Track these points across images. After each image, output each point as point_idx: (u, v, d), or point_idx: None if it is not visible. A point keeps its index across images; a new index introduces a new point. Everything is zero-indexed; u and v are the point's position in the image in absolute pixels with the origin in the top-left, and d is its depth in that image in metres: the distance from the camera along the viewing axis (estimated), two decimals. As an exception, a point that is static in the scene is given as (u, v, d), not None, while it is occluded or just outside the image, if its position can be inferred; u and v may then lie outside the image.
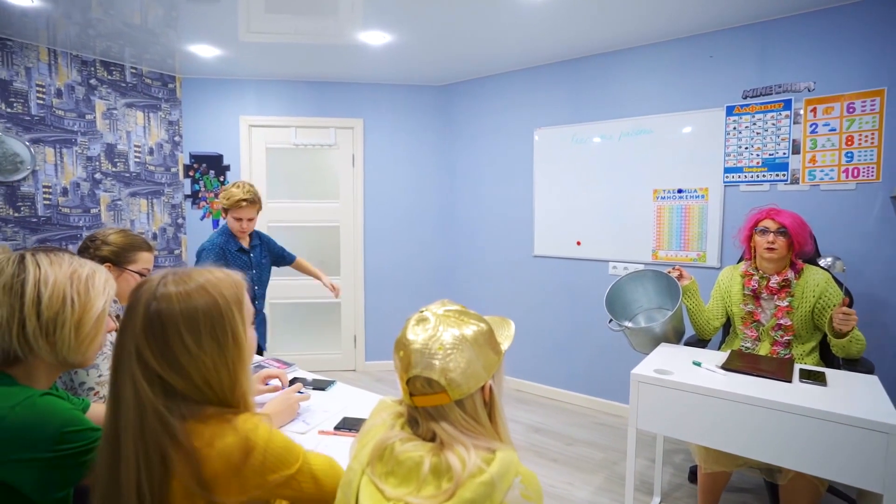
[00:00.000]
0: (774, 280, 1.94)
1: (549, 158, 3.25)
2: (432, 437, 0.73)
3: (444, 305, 0.79)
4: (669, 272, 2.07)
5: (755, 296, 2.00)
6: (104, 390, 1.20)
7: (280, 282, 3.72)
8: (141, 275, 1.40)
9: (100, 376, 1.21)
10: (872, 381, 1.63)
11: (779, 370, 1.66)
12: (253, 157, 3.65)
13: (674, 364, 1.75)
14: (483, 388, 0.75)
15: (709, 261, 2.70)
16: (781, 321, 1.92)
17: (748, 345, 2.01)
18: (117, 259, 1.36)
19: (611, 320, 2.10)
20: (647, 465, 2.37)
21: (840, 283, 1.92)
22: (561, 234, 3.22)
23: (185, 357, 0.72)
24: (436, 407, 0.72)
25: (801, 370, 1.68)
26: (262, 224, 3.69)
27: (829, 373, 1.67)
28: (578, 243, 3.15)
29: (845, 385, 1.57)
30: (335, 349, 3.87)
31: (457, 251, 3.80)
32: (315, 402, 1.48)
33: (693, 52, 2.71)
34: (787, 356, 1.92)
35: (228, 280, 0.79)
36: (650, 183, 2.86)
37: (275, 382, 1.55)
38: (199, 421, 0.72)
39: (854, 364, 1.84)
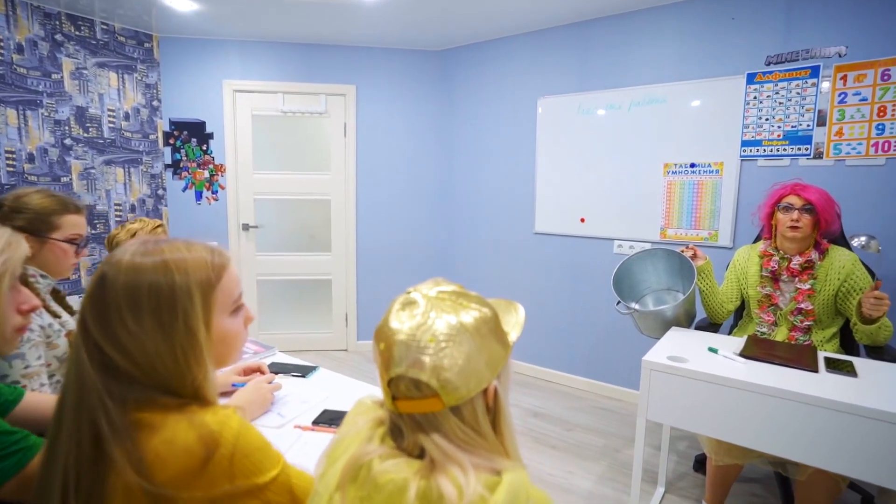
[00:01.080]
0: (796, 261, 1.80)
1: (554, 130, 3.05)
2: (420, 453, 0.57)
3: (437, 285, 0.62)
4: (683, 251, 1.92)
5: (774, 278, 1.86)
6: (33, 384, 1.01)
7: (268, 258, 3.56)
8: (71, 241, 1.18)
9: (26, 367, 1.00)
10: (904, 371, 1.50)
11: (801, 358, 1.54)
12: (238, 124, 3.43)
13: (687, 350, 1.62)
14: (486, 390, 0.59)
15: (721, 240, 2.55)
16: (802, 305, 1.79)
17: (764, 329, 1.88)
18: (35, 228, 1.13)
19: (619, 302, 1.96)
20: (651, 453, 2.27)
21: (867, 267, 1.77)
22: (564, 210, 3.05)
23: (124, 333, 0.62)
24: (425, 415, 0.57)
25: (827, 359, 1.55)
26: (247, 196, 3.50)
27: (857, 362, 1.54)
28: (582, 220, 2.98)
29: (876, 376, 1.45)
30: (326, 328, 3.73)
31: (454, 226, 3.63)
32: (293, 391, 1.33)
33: (712, 14, 2.50)
34: (806, 342, 1.79)
35: (204, 259, 0.68)
36: (661, 156, 2.68)
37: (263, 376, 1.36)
38: (151, 410, 0.62)
39: (879, 352, 1.72)
